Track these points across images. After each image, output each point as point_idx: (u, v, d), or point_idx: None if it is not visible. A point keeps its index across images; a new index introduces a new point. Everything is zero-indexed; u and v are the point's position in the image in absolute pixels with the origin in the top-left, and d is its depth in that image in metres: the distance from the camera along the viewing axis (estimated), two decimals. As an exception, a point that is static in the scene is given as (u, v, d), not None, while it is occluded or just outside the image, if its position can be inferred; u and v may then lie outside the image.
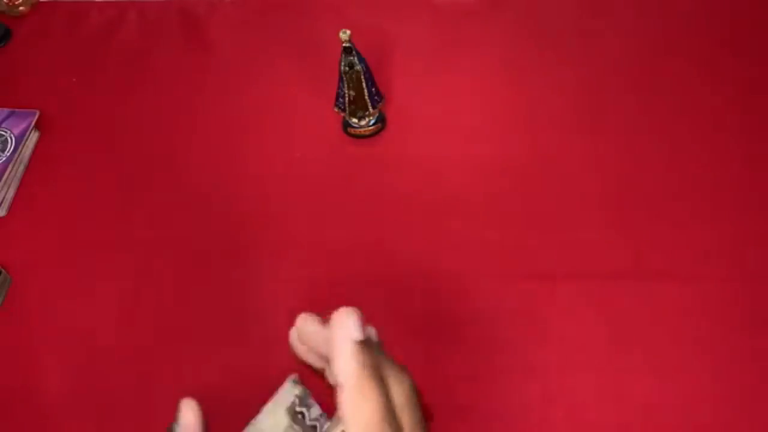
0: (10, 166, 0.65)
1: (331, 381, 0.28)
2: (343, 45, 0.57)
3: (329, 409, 0.29)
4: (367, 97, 0.62)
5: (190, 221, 0.62)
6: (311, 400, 0.35)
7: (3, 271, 0.59)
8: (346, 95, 0.62)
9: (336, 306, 0.57)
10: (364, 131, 0.65)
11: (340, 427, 0.24)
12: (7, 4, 0.80)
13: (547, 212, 0.60)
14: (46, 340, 0.57)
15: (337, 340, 0.25)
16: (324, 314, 0.30)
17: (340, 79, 0.61)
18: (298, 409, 0.34)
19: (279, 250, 0.60)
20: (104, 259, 0.61)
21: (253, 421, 0.35)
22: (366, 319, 0.28)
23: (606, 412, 0.50)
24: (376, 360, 0.25)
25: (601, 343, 0.52)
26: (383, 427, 0.23)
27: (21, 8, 0.81)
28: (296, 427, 0.34)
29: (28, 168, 0.68)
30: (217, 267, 0.59)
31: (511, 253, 0.57)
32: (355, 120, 0.65)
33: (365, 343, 0.25)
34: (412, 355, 0.53)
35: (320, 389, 0.34)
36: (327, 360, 0.27)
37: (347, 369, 0.24)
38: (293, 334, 0.30)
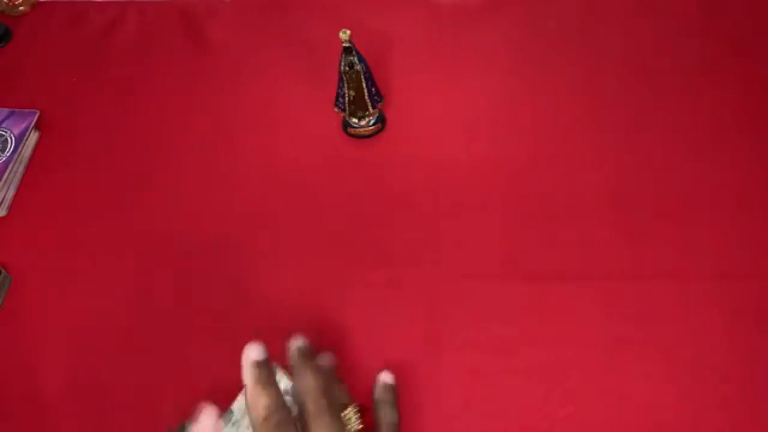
0: (10, 166, 0.65)
1: None
2: (343, 45, 0.57)
3: None
4: (367, 97, 0.62)
5: (190, 221, 0.62)
6: None
7: (3, 271, 0.59)
8: (346, 95, 0.62)
9: (335, 304, 0.57)
10: (364, 131, 0.65)
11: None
12: (7, 4, 0.80)
13: (547, 212, 0.60)
14: (46, 340, 0.57)
15: (243, 359, 0.37)
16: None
17: (340, 79, 0.61)
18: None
19: (278, 250, 0.60)
20: (104, 259, 0.61)
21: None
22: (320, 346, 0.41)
23: (606, 412, 0.50)
24: (267, 373, 0.37)
25: (601, 343, 0.52)
26: (274, 414, 0.35)
27: (21, 8, 0.81)
28: None
29: (28, 168, 0.68)
30: (216, 266, 0.59)
31: (512, 253, 0.57)
32: (355, 120, 0.65)
33: (261, 363, 0.37)
34: (411, 354, 0.53)
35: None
36: None
37: (246, 378, 0.37)
38: None
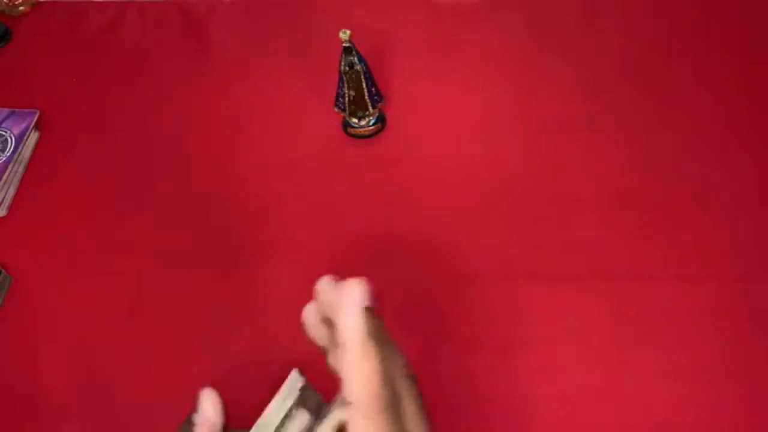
0: (10, 166, 0.65)
1: (333, 364, 0.28)
2: (343, 45, 0.57)
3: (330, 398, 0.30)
4: (367, 97, 0.62)
5: (190, 221, 0.62)
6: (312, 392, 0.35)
7: (3, 271, 0.59)
8: (346, 95, 0.62)
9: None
10: (364, 131, 0.65)
11: (340, 404, 0.25)
12: (7, 4, 0.80)
13: (546, 212, 0.60)
14: (46, 340, 0.57)
15: (345, 303, 0.26)
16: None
17: (340, 79, 0.61)
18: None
19: (279, 250, 0.60)
20: (104, 259, 0.61)
21: (261, 419, 0.35)
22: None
23: (606, 412, 0.50)
24: (378, 327, 0.25)
25: (601, 343, 0.52)
26: (381, 388, 0.24)
27: (21, 8, 0.81)
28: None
29: (28, 168, 0.68)
30: (217, 266, 0.59)
31: (511, 253, 0.57)
32: (355, 120, 0.65)
33: (370, 311, 0.25)
34: (411, 354, 0.53)
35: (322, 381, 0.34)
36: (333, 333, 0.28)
37: (351, 330, 0.25)
38: (306, 311, 0.30)
